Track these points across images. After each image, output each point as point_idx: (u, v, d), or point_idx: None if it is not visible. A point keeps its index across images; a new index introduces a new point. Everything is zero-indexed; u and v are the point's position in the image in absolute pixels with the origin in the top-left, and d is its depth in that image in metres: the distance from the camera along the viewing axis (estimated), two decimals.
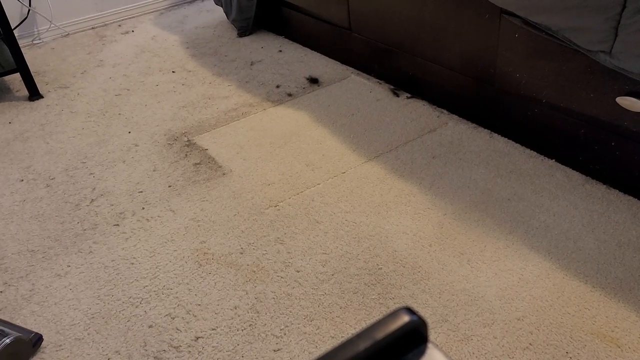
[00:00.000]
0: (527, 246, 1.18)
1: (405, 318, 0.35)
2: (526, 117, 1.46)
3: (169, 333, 1.07)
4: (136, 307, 1.14)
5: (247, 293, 1.14)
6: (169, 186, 1.49)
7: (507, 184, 1.37)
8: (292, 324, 1.06)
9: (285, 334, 1.04)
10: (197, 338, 1.05)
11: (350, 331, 1.04)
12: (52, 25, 2.64)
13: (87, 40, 2.61)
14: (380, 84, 1.90)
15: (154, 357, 1.03)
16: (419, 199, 1.35)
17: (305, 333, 1.04)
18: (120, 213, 1.41)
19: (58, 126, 1.86)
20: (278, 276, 1.17)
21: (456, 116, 1.67)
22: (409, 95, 1.81)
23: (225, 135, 1.70)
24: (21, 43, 2.53)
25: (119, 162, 1.63)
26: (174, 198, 1.44)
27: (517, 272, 1.12)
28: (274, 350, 1.01)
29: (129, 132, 1.78)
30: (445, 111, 1.70)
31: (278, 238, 1.27)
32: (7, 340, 1.02)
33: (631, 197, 1.28)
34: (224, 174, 1.52)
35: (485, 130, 1.59)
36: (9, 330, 1.05)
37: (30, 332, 1.08)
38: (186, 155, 1.62)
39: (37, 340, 1.07)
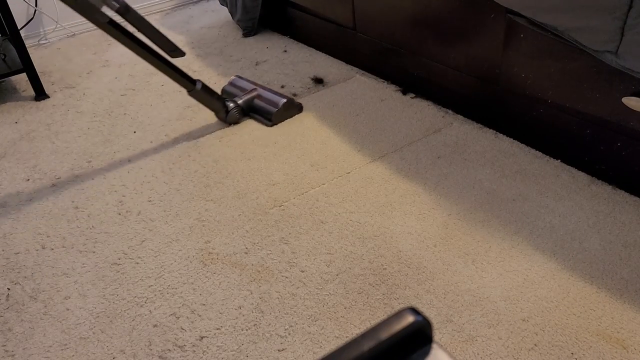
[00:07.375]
0: (532, 247, 1.18)
1: (410, 318, 0.35)
2: (531, 117, 1.45)
3: (173, 332, 1.07)
4: (141, 306, 1.14)
5: (251, 293, 1.14)
6: (174, 185, 1.50)
7: (512, 184, 1.36)
8: (296, 323, 1.06)
9: (289, 334, 1.04)
10: (202, 337, 1.06)
11: (355, 331, 1.04)
12: (58, 25, 2.65)
13: (93, 40, 2.62)
14: (385, 84, 1.90)
15: (159, 357, 1.03)
16: (423, 199, 1.35)
17: (309, 333, 1.04)
18: (126, 212, 1.41)
19: (64, 126, 1.87)
20: (282, 276, 1.17)
21: (461, 116, 1.66)
22: (413, 95, 1.81)
23: (230, 135, 1.70)
24: (27, 43, 2.55)
25: (124, 161, 1.63)
26: (179, 197, 1.45)
27: (522, 272, 1.12)
28: (279, 350, 1.02)
29: (135, 132, 1.78)
30: (450, 111, 1.70)
31: (282, 238, 1.27)
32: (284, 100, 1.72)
33: (637, 198, 1.28)
34: (228, 174, 1.52)
35: (491, 130, 1.58)
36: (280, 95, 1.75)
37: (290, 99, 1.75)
38: (191, 154, 1.63)
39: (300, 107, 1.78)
